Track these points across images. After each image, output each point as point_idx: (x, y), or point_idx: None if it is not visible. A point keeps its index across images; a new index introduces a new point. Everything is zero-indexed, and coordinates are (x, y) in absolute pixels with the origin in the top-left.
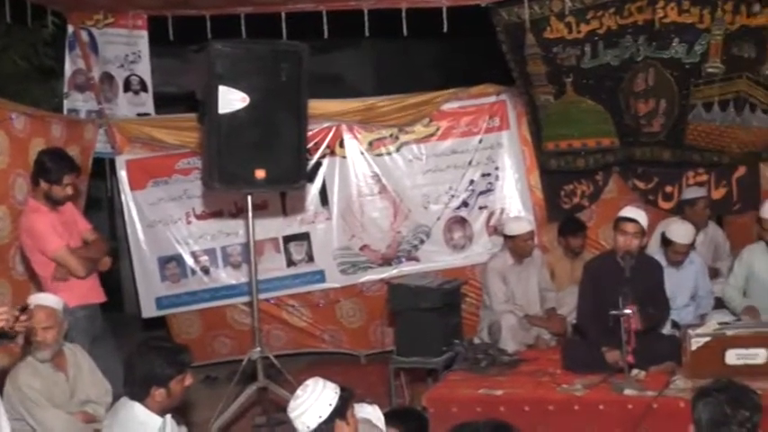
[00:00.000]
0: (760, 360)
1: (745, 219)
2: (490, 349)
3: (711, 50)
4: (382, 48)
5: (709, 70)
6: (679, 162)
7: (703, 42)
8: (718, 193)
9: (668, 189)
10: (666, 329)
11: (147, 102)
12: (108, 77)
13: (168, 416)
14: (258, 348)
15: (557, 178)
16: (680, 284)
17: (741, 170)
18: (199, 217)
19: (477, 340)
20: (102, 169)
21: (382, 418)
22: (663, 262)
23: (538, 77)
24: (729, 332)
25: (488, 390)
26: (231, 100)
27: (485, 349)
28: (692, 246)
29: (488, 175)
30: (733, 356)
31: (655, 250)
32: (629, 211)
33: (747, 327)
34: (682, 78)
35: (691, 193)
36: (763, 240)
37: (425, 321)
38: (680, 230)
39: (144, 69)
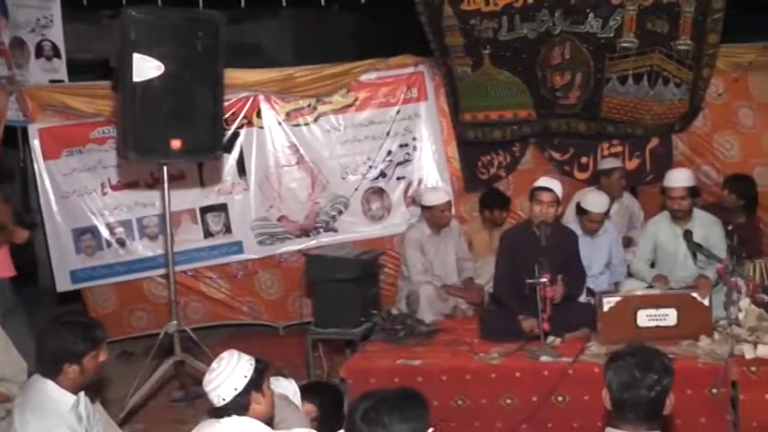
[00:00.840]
0: (670, 321)
1: (658, 189)
2: (408, 320)
3: (625, 25)
4: (300, 18)
5: (624, 44)
6: (594, 134)
7: (618, 17)
8: (632, 164)
9: (584, 160)
10: (582, 297)
11: (60, 68)
12: (19, 42)
13: (82, 393)
14: (174, 322)
15: (474, 149)
16: (595, 253)
17: (654, 141)
18: (114, 187)
19: (395, 311)
20: (15, 138)
21: (299, 392)
22: (578, 231)
23: (455, 49)
24: (639, 293)
25: (406, 360)
26: (146, 68)
27: (403, 320)
28: (606, 215)
29: (406, 145)
30: (644, 318)
31: (570, 220)
32: (545, 181)
33: (657, 290)
34: (597, 52)
35: (606, 163)
36: (667, 210)
37: (343, 292)
38: (595, 200)
39: (56, 34)
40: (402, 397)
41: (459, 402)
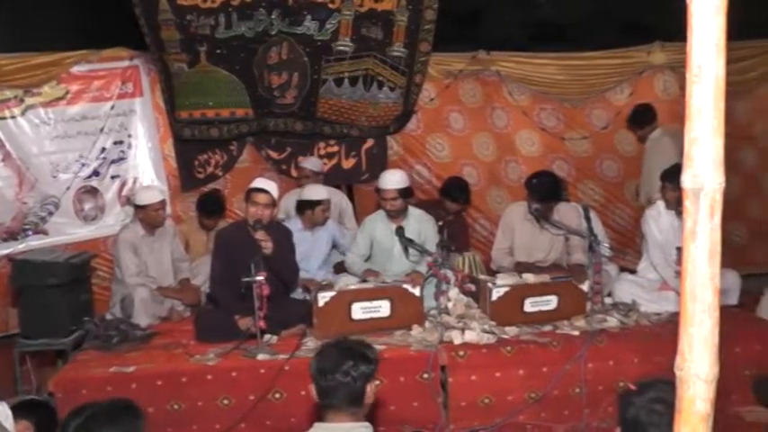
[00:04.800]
0: (384, 313)
1: (374, 188)
2: (122, 324)
3: (342, 30)
4: (9, 1)
5: (340, 48)
6: (311, 133)
7: (334, 21)
8: (348, 164)
9: (300, 159)
10: (298, 294)
11: None
12: None
13: None
14: None
15: (191, 147)
16: (315, 248)
17: (370, 142)
18: None
19: (109, 316)
20: None
21: (10, 415)
22: (298, 226)
23: (171, 44)
24: (353, 287)
25: (120, 367)
26: None
27: (117, 325)
28: (326, 203)
29: (121, 143)
30: (359, 310)
31: (292, 215)
32: (261, 182)
33: (371, 284)
34: (313, 54)
35: (304, 162)
36: (382, 209)
37: (52, 299)
38: (313, 189)
39: None
40: (114, 409)
41: (176, 407)
